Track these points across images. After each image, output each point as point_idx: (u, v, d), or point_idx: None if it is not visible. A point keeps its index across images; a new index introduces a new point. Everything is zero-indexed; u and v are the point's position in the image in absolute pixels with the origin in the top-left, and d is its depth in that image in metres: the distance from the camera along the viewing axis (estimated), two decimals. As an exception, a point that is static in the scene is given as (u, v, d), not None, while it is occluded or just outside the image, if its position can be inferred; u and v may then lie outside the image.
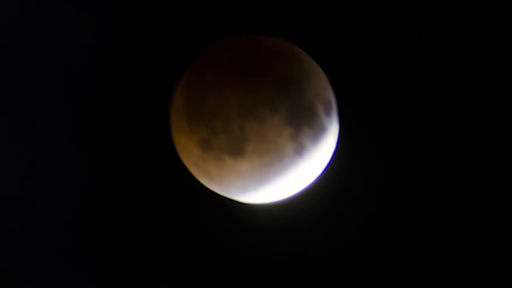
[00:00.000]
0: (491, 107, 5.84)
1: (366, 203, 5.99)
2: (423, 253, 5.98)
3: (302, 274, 6.01)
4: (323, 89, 5.28)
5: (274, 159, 5.03)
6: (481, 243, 5.94)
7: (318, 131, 5.16)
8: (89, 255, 5.97)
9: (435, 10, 5.83)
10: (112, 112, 5.91)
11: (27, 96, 5.88)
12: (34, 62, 5.88)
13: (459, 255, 5.96)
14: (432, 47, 5.87)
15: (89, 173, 5.93)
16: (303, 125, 5.07)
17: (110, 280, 6.00)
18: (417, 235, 5.97)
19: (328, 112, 5.26)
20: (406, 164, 5.97)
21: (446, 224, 5.96)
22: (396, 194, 5.97)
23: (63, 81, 5.89)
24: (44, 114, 5.91)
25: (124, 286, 6.00)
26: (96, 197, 5.93)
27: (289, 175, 5.15)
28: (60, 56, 5.86)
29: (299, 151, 5.10)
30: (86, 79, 5.89)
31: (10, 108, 5.86)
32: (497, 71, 5.83)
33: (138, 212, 5.98)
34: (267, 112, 4.96)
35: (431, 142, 5.94)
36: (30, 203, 5.94)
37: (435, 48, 5.88)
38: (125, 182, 5.93)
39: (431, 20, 5.84)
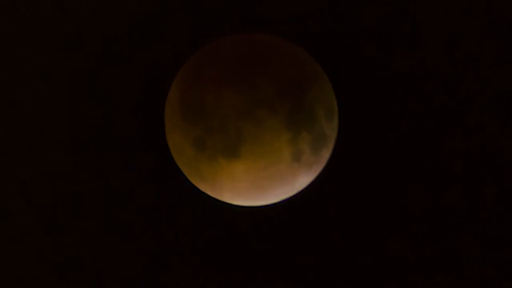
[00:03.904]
0: (494, 109, 5.79)
1: (364, 212, 5.91)
2: (424, 255, 5.91)
3: (296, 278, 5.92)
4: (326, 94, 5.17)
5: (269, 162, 4.93)
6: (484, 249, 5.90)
7: (317, 137, 5.05)
8: (76, 254, 5.90)
9: (443, 16, 5.77)
10: (106, 105, 5.85)
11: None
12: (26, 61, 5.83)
13: (460, 258, 5.90)
14: (440, 54, 5.80)
15: (78, 169, 5.87)
16: (302, 129, 4.95)
17: (97, 281, 5.92)
18: (417, 239, 5.90)
19: (329, 118, 5.15)
20: (408, 174, 5.89)
21: (448, 227, 5.89)
22: (397, 201, 5.90)
23: (56, 76, 5.84)
24: (36, 110, 5.85)
25: (109, 286, 5.92)
26: (83, 193, 5.87)
27: (285, 180, 5.04)
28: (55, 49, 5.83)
29: (296, 156, 4.98)
30: (84, 74, 5.85)
31: None
32: (502, 72, 5.78)
33: (125, 209, 5.90)
34: (265, 114, 4.85)
35: (436, 150, 5.86)
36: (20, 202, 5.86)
37: (444, 55, 5.81)
38: (112, 179, 5.87)
39: (439, 25, 5.78)
